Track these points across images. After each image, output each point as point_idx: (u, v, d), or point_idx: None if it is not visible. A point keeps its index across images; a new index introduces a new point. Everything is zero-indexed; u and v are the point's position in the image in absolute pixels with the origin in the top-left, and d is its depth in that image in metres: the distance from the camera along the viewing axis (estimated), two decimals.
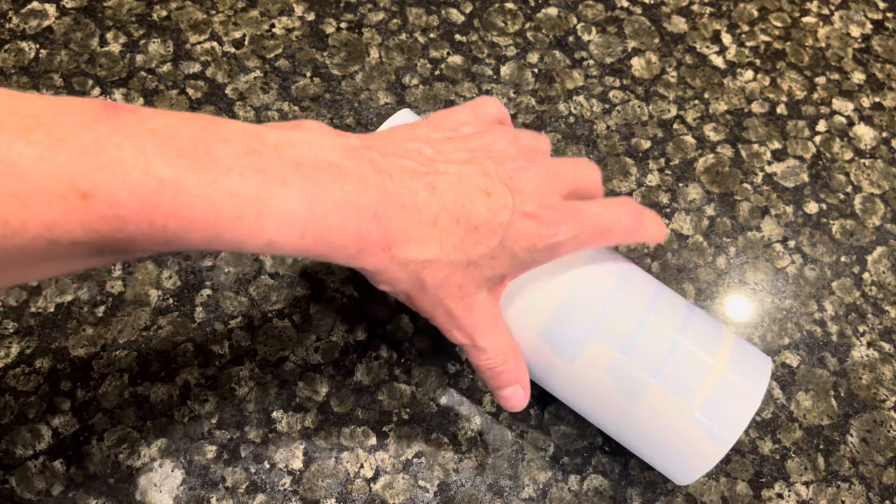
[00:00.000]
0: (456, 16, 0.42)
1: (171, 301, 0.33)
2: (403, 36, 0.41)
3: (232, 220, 0.20)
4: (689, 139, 0.40)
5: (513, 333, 0.28)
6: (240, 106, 0.38)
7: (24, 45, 0.38)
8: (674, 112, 0.40)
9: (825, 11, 0.45)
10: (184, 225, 0.20)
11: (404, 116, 0.31)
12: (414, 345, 0.34)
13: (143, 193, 0.19)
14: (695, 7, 0.44)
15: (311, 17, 0.41)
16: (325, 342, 0.33)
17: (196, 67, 0.39)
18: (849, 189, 0.39)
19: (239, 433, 0.31)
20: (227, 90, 0.38)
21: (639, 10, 0.43)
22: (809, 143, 0.40)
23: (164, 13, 0.40)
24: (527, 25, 0.42)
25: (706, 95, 0.41)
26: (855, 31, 0.44)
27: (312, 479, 0.31)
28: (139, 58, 0.39)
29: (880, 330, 0.36)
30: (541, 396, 0.33)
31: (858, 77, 0.43)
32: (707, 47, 0.43)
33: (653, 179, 0.39)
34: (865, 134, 0.41)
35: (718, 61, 0.42)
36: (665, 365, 0.27)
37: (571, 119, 0.40)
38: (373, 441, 0.32)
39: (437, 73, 0.40)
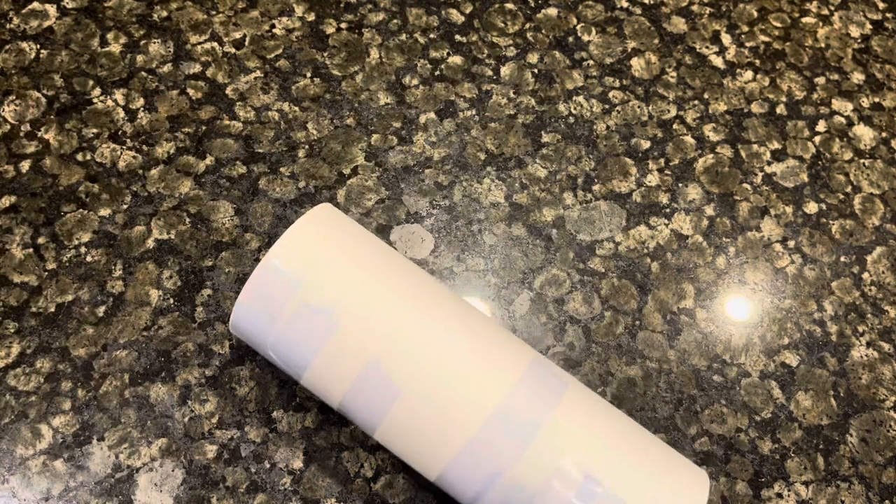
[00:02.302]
0: (456, 16, 0.42)
1: (171, 301, 0.34)
2: (403, 36, 0.41)
3: None
4: (689, 139, 0.40)
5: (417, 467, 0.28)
6: (240, 106, 0.38)
7: (24, 45, 0.38)
8: (673, 112, 0.40)
9: (825, 12, 0.45)
10: None
11: (326, 211, 0.29)
12: None
13: None
14: (694, 7, 0.44)
15: (311, 17, 0.41)
16: None
17: (196, 68, 0.39)
18: (848, 189, 0.39)
19: (239, 433, 0.31)
20: (228, 90, 0.38)
21: (639, 11, 0.43)
22: (809, 143, 0.41)
23: (165, 13, 0.40)
24: (527, 26, 0.42)
25: (706, 96, 0.41)
26: (854, 32, 0.44)
27: (312, 478, 0.31)
28: (140, 58, 0.39)
29: (880, 330, 0.36)
30: None
31: (858, 77, 0.43)
32: (707, 48, 0.43)
33: (652, 179, 0.39)
34: (865, 134, 0.41)
35: (718, 62, 0.42)
36: None
37: (571, 119, 0.40)
38: (373, 441, 0.32)
39: (437, 73, 0.40)
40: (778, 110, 0.41)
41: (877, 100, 0.42)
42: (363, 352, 0.26)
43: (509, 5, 0.43)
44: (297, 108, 0.38)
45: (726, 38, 0.43)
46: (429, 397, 0.26)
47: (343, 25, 0.41)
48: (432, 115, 0.39)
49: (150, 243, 0.35)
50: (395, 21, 0.41)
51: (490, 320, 0.29)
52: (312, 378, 0.28)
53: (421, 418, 0.26)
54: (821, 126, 0.41)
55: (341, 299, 0.27)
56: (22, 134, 0.36)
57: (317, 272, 0.27)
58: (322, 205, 0.29)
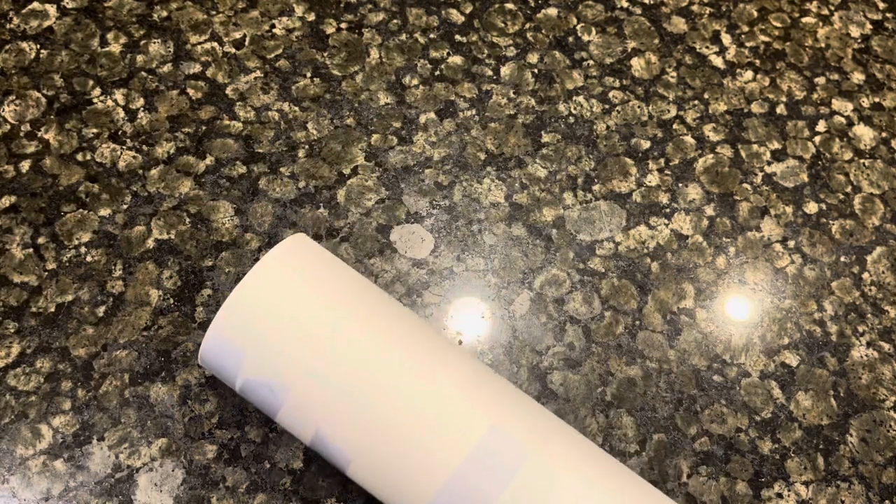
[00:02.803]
0: (456, 16, 0.42)
1: (171, 301, 0.34)
2: (403, 36, 0.41)
3: None
4: (689, 139, 0.40)
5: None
6: (240, 106, 0.38)
7: (24, 45, 0.38)
8: (673, 112, 0.40)
9: (825, 12, 0.45)
10: None
11: (293, 246, 0.28)
12: None
13: None
14: (695, 7, 0.44)
15: (311, 17, 0.41)
16: None
17: (196, 68, 0.39)
18: (848, 189, 0.39)
19: (239, 433, 0.31)
20: (228, 90, 0.38)
21: (639, 11, 0.43)
22: (809, 143, 0.41)
23: (165, 13, 0.40)
24: (527, 26, 0.42)
25: (706, 96, 0.41)
26: (854, 32, 0.44)
27: (313, 478, 0.31)
28: (140, 58, 0.39)
29: (880, 330, 0.36)
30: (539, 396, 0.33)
31: (858, 77, 0.43)
32: (707, 48, 0.43)
33: (652, 179, 0.39)
34: (865, 134, 0.41)
35: (718, 62, 0.42)
36: None
37: (571, 119, 0.40)
38: None
39: (437, 73, 0.40)
40: (778, 110, 0.41)
41: (877, 100, 0.42)
42: (309, 423, 0.27)
43: (509, 5, 0.43)
44: (297, 108, 0.38)
45: (726, 38, 0.43)
46: (377, 468, 0.26)
47: (343, 25, 0.41)
48: (432, 115, 0.39)
49: (150, 243, 0.35)
50: (395, 21, 0.41)
51: (459, 360, 0.27)
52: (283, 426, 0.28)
53: (374, 486, 0.27)
54: (821, 126, 0.41)
55: (285, 371, 0.26)
56: (22, 134, 0.36)
57: (263, 342, 0.26)
58: (290, 238, 0.28)
